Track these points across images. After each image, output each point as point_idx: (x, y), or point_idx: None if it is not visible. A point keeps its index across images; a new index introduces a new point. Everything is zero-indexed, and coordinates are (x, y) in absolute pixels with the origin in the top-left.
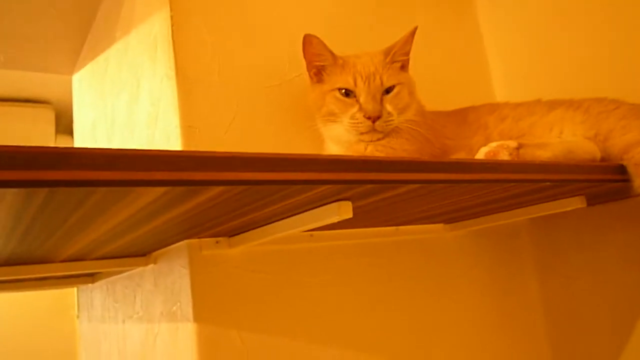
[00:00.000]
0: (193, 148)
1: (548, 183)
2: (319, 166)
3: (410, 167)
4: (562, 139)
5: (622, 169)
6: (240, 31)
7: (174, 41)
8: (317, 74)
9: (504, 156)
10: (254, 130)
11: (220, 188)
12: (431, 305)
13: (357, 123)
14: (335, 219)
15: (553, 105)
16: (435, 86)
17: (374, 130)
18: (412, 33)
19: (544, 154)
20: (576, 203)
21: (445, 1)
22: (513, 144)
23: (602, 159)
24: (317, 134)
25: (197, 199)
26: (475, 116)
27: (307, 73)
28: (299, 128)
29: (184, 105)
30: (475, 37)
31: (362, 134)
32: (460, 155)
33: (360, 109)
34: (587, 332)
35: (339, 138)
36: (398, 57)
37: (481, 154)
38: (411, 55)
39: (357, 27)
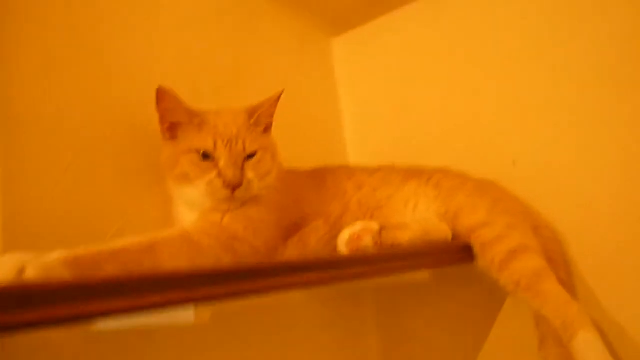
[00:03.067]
0: (10, 211)
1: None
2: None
3: (271, 271)
4: (418, 219)
5: (468, 249)
6: (83, 60)
7: None
8: (171, 129)
9: (368, 241)
10: (93, 184)
11: None
12: None
13: (215, 190)
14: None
15: (407, 176)
16: (289, 136)
17: (232, 198)
18: (279, 96)
19: (404, 236)
20: (422, 275)
21: (304, 50)
22: (375, 226)
23: (453, 237)
24: (167, 193)
25: None
26: (334, 181)
27: (159, 127)
28: (149, 182)
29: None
30: (331, 88)
31: (219, 201)
32: (317, 223)
33: (220, 175)
34: None
35: (192, 202)
36: (262, 120)
37: (345, 237)
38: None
39: (214, 77)
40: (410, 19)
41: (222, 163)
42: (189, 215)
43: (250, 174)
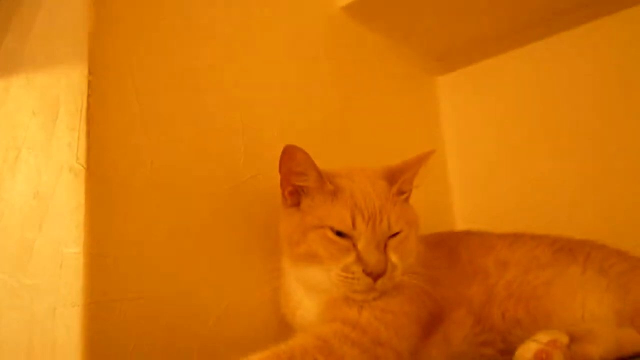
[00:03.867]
0: (103, 287)
1: None
2: None
3: None
4: (608, 327)
5: None
6: (182, 115)
7: (88, 120)
8: (293, 193)
9: (559, 359)
10: (191, 245)
11: None
12: None
13: (353, 279)
14: None
15: (557, 253)
16: None
17: (373, 289)
18: (427, 156)
19: (595, 351)
20: None
21: (409, 87)
22: (564, 338)
23: None
24: (278, 268)
25: None
26: (469, 255)
27: (280, 190)
28: (254, 240)
29: (92, 220)
30: (436, 129)
31: (355, 292)
32: (459, 313)
33: (359, 260)
34: None
35: (316, 287)
36: (405, 187)
37: (528, 354)
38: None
39: (322, 115)
40: (522, 62)
41: (362, 245)
42: (307, 301)
43: (394, 258)
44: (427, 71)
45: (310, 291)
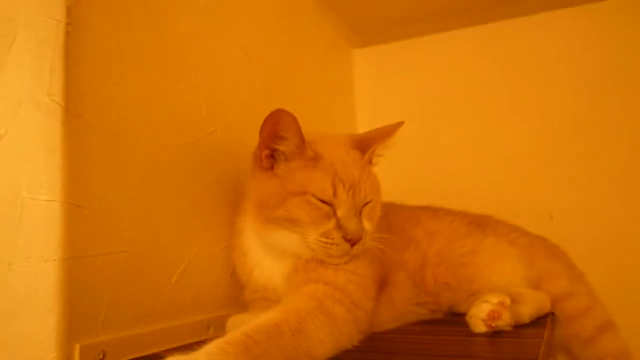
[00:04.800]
0: (77, 230)
1: None
2: None
3: None
4: (531, 292)
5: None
6: (154, 64)
7: (66, 52)
8: (269, 157)
9: (507, 318)
10: (159, 199)
11: None
12: None
13: (332, 244)
14: None
15: (471, 226)
16: None
17: (348, 254)
18: (395, 127)
19: (526, 311)
20: None
21: (328, 58)
22: (508, 300)
23: None
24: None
25: None
26: (399, 225)
27: (256, 151)
28: (214, 196)
29: (69, 165)
30: (349, 101)
31: (332, 256)
32: (400, 276)
33: (338, 226)
34: None
35: (285, 249)
36: (374, 155)
37: (482, 313)
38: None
39: (268, 77)
40: (441, 46)
41: (342, 212)
42: (267, 263)
43: (367, 225)
44: (347, 41)
45: (275, 254)
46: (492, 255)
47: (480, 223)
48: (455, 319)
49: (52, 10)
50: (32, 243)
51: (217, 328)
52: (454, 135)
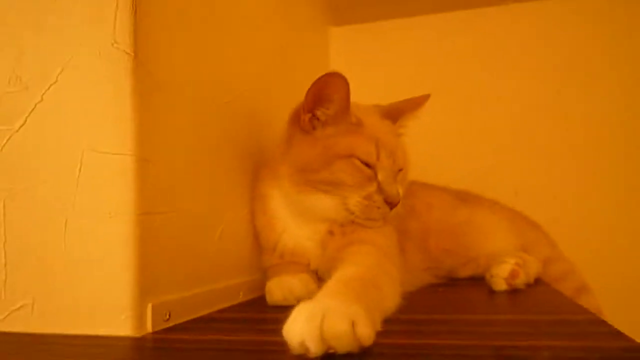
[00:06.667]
0: (146, 186)
1: None
2: None
3: None
4: (529, 256)
5: None
6: (203, 28)
7: (133, 2)
8: (312, 120)
9: (523, 277)
10: (207, 157)
11: None
12: None
13: (373, 207)
14: None
15: (458, 201)
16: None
17: (385, 217)
18: (423, 100)
19: (531, 272)
20: None
21: (304, 34)
22: (521, 261)
23: None
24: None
25: None
26: None
27: (297, 114)
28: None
29: (141, 118)
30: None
31: (371, 220)
32: (409, 244)
33: (379, 190)
34: None
35: (321, 214)
36: (403, 125)
37: (504, 273)
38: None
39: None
40: (417, 30)
41: (383, 176)
42: (297, 227)
43: (400, 190)
44: (324, 19)
45: (307, 218)
46: (485, 225)
47: (463, 197)
48: (460, 282)
49: None
50: (95, 198)
51: (246, 292)
52: (427, 117)
